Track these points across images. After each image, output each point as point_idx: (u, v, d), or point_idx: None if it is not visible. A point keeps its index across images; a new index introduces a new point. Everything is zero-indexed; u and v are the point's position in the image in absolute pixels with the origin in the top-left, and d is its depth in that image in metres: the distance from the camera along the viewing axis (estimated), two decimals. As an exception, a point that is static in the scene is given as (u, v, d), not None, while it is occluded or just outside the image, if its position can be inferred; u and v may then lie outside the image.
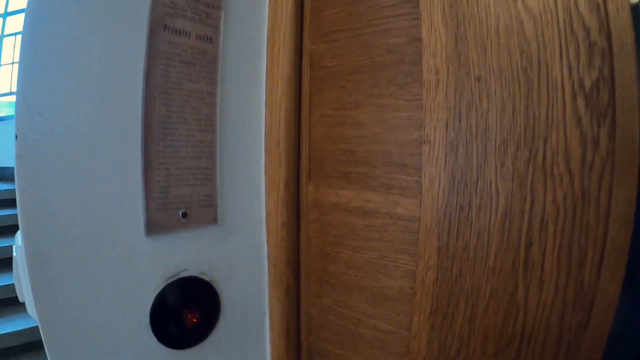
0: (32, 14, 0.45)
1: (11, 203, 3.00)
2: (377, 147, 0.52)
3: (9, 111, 4.41)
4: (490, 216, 0.45)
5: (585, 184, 0.42)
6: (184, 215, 0.55)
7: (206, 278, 0.58)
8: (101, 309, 0.51)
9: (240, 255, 0.60)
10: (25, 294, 0.58)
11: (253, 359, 0.66)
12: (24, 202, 0.47)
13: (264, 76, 0.61)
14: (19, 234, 0.56)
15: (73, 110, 0.47)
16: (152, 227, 0.53)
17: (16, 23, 4.46)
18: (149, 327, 0.54)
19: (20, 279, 0.58)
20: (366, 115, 0.52)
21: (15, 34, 4.46)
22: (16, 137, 0.47)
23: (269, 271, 0.63)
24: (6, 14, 4.52)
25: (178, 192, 0.54)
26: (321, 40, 0.57)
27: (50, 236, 0.47)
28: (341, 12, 0.55)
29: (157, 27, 0.51)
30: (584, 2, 0.42)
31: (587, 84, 0.41)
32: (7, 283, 2.33)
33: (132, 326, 0.53)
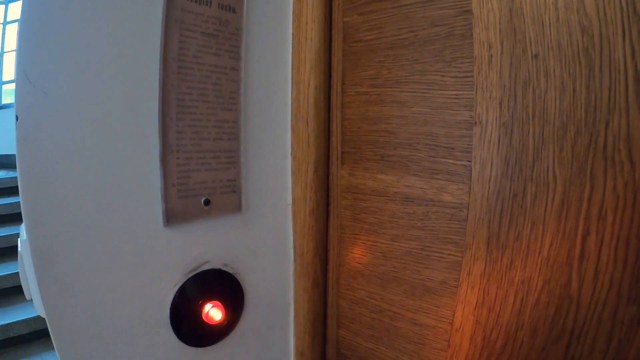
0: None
1: (18, 191, 2.98)
2: (421, 128, 0.50)
3: (13, 98, 4.29)
4: (547, 204, 0.44)
5: (652, 171, 0.41)
6: (206, 202, 0.52)
7: (229, 270, 0.56)
8: (116, 308, 0.49)
9: (265, 244, 0.58)
10: (32, 291, 0.55)
11: (277, 354, 0.65)
12: (27, 191, 0.43)
13: (291, 50, 0.58)
14: (23, 227, 0.52)
15: (81, 87, 0.44)
16: (172, 217, 0.50)
17: (19, 10, 4.39)
18: (169, 325, 0.53)
19: (27, 275, 0.55)
20: (408, 93, 0.50)
21: (18, 21, 4.36)
22: (17, 118, 0.43)
23: (295, 261, 0.61)
24: (8, 0, 4.48)
25: (199, 178, 0.52)
26: (356, 11, 0.55)
27: (58, 229, 0.44)
28: (379, -20, 0.53)
29: (176, -6, 0.47)
30: None
31: (654, 64, 0.40)
32: (15, 271, 2.35)
33: (151, 325, 0.51)
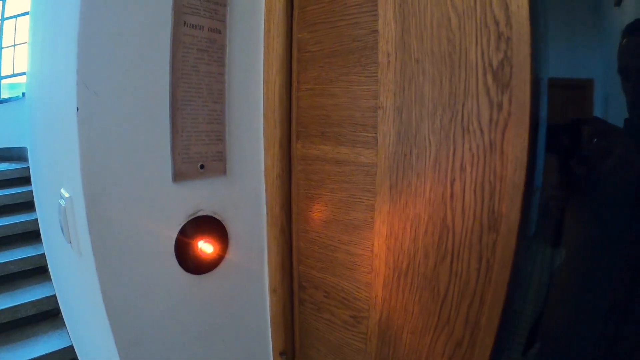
0: (86, 19, 0.68)
1: (21, 181, 3.41)
2: (346, 112, 0.74)
3: (12, 93, 4.80)
4: (425, 161, 0.68)
5: (492, 136, 0.63)
6: (201, 167, 0.79)
7: (217, 217, 0.82)
8: (139, 240, 0.75)
9: (244, 200, 0.84)
10: (72, 233, 0.83)
11: (256, 288, 0.90)
12: (85, 157, 0.70)
13: (262, 58, 0.84)
14: (63, 190, 0.81)
15: (118, 89, 0.70)
16: (178, 176, 0.77)
17: (16, 6, 4.87)
18: (174, 256, 0.79)
19: (68, 222, 0.84)
20: (338, 88, 0.75)
21: (15, 17, 4.85)
22: (77, 109, 0.71)
23: (267, 214, 0.87)
24: None
25: (196, 149, 0.78)
26: (306, 30, 0.80)
27: (103, 181, 0.71)
28: (321, 8, 0.78)
29: (179, 24, 0.74)
30: (496, 2, 0.63)
31: (495, 63, 0.63)
32: (22, 256, 2.73)
33: (161, 254, 0.77)
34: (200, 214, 0.80)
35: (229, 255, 0.84)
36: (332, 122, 0.77)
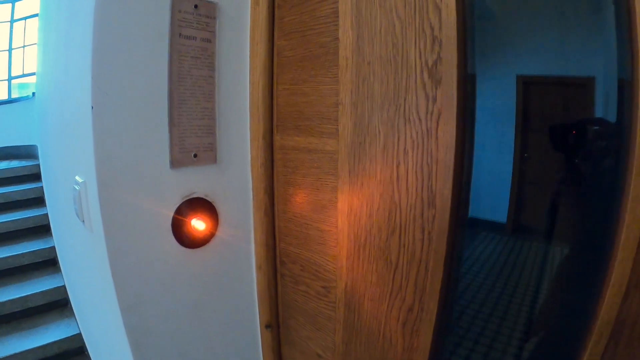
0: (100, 32, 0.86)
1: (31, 178, 3.77)
2: (314, 108, 0.90)
3: (21, 92, 5.20)
4: (376, 148, 0.83)
5: (429, 125, 0.78)
6: (195, 156, 0.96)
7: (208, 199, 0.99)
8: (141, 217, 0.93)
9: (232, 185, 1.01)
10: (85, 213, 1.02)
11: (243, 264, 1.07)
12: (98, 144, 0.88)
13: (248, 63, 1.01)
14: (77, 177, 1.00)
15: (125, 90, 0.89)
16: (175, 163, 0.94)
17: (25, 8, 5.36)
18: (171, 231, 0.96)
19: (82, 203, 1.02)
20: (308, 88, 0.91)
21: (25, 18, 5.31)
22: (92, 107, 0.89)
23: (253, 198, 1.04)
24: (15, 0, 5.43)
25: (191, 141, 0.96)
26: (283, 38, 0.97)
27: (112, 167, 0.89)
28: (295, 19, 0.94)
29: (175, 35, 0.92)
30: (432, 10, 0.77)
31: (430, 63, 0.78)
32: (33, 249, 2.99)
33: (160, 229, 0.95)
34: (193, 196, 0.97)
35: (219, 233, 1.00)
36: (304, 117, 0.93)
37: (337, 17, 0.87)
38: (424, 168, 0.79)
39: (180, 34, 0.93)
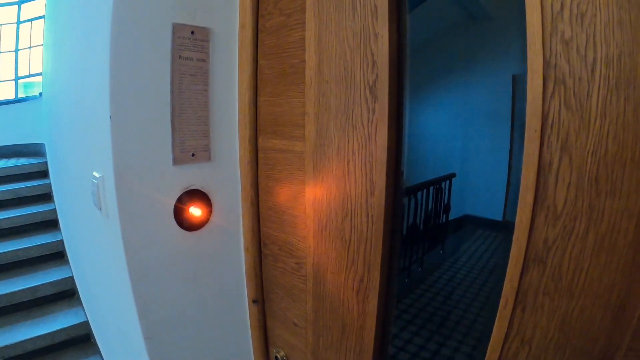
0: (115, 62, 1.15)
1: (39, 175, 4.24)
2: (287, 116, 1.19)
3: (27, 92, 5.74)
4: (332, 150, 1.10)
5: (369, 131, 1.05)
6: (193, 155, 1.25)
7: (204, 190, 1.28)
8: (149, 205, 1.23)
9: (224, 179, 1.31)
10: (102, 202, 1.32)
11: (233, 246, 1.35)
12: (116, 144, 1.18)
13: (237, 78, 1.30)
14: (95, 172, 1.29)
15: (136, 103, 1.18)
16: (176, 161, 1.23)
17: (31, 10, 5.90)
18: (172, 216, 1.25)
19: (99, 194, 1.32)
20: (282, 100, 1.19)
21: (31, 20, 5.84)
22: (110, 117, 1.18)
23: (241, 191, 1.32)
24: (21, 1, 5.90)
25: (189, 143, 1.24)
26: (264, 57, 1.25)
27: (126, 164, 1.19)
28: (273, 43, 1.23)
29: (175, 57, 1.21)
30: (373, 40, 1.03)
31: (371, 81, 1.04)
32: (41, 243, 3.40)
33: (164, 215, 1.24)
34: (191, 187, 1.26)
35: (213, 218, 1.29)
36: (279, 123, 1.21)
37: (304, 43, 1.14)
38: (366, 165, 1.06)
39: (180, 56, 1.22)
